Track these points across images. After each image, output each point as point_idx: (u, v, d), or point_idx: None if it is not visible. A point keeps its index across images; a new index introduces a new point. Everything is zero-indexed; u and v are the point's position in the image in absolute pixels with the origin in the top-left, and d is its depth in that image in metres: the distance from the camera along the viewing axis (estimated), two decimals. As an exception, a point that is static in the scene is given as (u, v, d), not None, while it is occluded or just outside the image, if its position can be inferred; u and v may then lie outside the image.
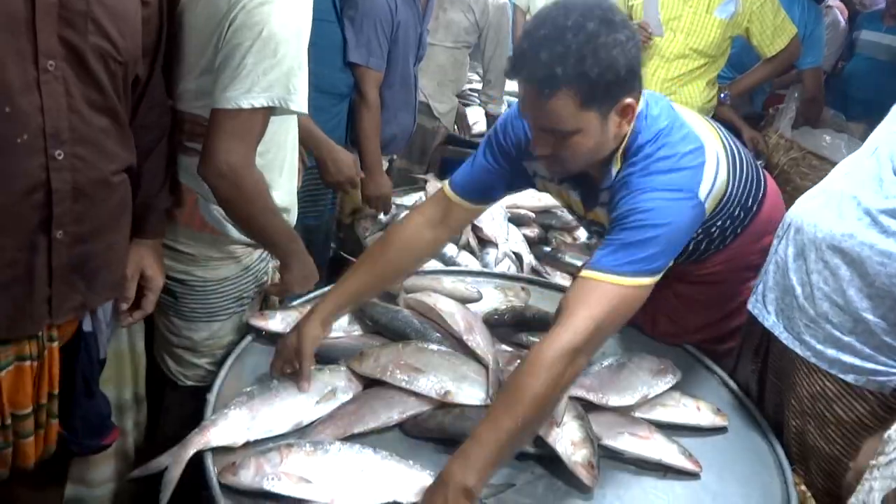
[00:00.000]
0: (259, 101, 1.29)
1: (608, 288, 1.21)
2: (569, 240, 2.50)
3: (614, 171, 1.33)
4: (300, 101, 1.34)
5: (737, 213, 1.46)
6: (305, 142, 1.91)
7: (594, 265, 1.23)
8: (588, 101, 1.20)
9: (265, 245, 1.54)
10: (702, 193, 1.29)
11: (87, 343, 1.32)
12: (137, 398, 1.65)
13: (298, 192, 1.69)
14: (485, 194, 1.53)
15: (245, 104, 1.29)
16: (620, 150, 1.32)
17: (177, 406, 1.65)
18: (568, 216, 2.57)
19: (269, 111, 1.33)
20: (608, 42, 1.17)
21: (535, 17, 1.26)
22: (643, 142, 1.31)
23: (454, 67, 3.08)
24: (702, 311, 1.65)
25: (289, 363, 1.37)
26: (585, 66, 1.16)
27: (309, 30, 1.35)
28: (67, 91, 1.09)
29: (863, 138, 1.54)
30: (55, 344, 1.22)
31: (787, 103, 3.22)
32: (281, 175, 1.53)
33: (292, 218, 1.61)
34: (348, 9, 2.26)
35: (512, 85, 3.83)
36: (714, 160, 1.32)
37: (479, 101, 3.48)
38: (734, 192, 1.42)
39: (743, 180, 1.44)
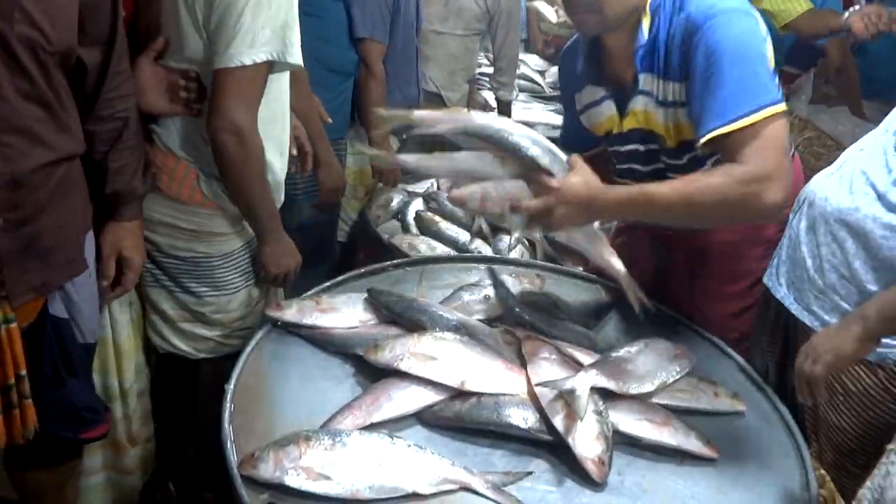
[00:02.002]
0: (260, 55, 1.35)
1: (755, 129, 1.23)
2: (582, 225, 2.48)
3: (644, 25, 1.38)
4: (296, 54, 1.40)
5: None
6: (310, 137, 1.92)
7: (721, 118, 1.24)
8: None
9: (248, 216, 1.57)
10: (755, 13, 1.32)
11: (59, 328, 1.32)
12: (123, 389, 1.66)
13: (303, 176, 1.74)
14: (580, 140, 1.64)
15: (248, 60, 1.34)
16: (646, 5, 1.38)
17: (196, 379, 1.69)
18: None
19: (269, 66, 1.38)
20: None
21: None
22: None
23: (465, 55, 3.06)
24: (715, 286, 1.65)
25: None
26: None
27: None
28: None
29: (879, 119, 1.54)
30: (13, 325, 1.21)
31: (802, 83, 3.18)
32: (271, 150, 1.55)
33: (279, 197, 1.63)
34: None
35: (521, 70, 3.81)
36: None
37: (489, 87, 3.45)
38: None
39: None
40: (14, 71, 1.10)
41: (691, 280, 1.67)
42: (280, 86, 1.54)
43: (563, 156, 1.33)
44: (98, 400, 1.50)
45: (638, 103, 1.47)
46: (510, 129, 1.32)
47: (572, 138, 1.71)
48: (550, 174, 1.29)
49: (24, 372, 1.24)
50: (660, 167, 1.54)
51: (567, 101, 1.69)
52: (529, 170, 1.31)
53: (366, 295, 1.55)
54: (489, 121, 1.35)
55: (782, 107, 1.26)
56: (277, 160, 1.60)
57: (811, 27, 2.61)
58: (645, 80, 1.43)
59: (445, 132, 1.33)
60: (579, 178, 1.28)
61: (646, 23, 1.38)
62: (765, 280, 1.52)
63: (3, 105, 1.10)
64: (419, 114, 1.35)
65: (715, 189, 1.24)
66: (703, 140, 1.28)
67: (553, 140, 1.38)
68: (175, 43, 1.45)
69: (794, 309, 1.43)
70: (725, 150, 1.28)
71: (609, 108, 1.54)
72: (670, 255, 1.72)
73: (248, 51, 1.34)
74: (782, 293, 1.46)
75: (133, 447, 1.70)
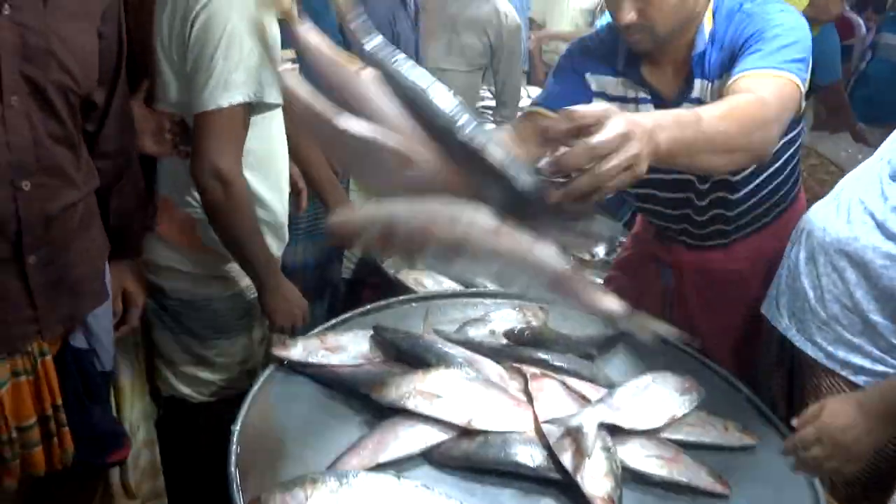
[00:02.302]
0: (236, 97, 1.36)
1: (779, 81, 1.21)
2: (587, 257, 2.49)
3: (707, 28, 1.35)
4: (275, 94, 1.39)
5: (793, 174, 1.52)
6: (318, 182, 1.90)
7: (760, 61, 1.23)
8: None
9: (239, 262, 1.54)
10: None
11: (80, 358, 1.36)
12: (132, 427, 1.68)
13: (304, 215, 1.73)
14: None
15: (224, 102, 1.35)
16: (709, 10, 1.35)
17: (198, 424, 1.68)
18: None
19: (248, 108, 1.39)
20: None
21: None
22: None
23: (468, 91, 3.10)
24: (721, 315, 1.64)
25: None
26: None
27: (274, 24, 1.37)
28: (31, 124, 1.13)
29: (880, 144, 1.55)
30: (48, 357, 1.28)
31: (804, 110, 3.20)
32: (270, 190, 1.56)
33: (281, 238, 1.63)
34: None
35: (525, 103, 3.85)
36: None
37: (492, 119, 3.48)
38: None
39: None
40: (47, 115, 1.15)
41: (697, 308, 1.67)
42: (273, 124, 1.55)
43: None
44: (118, 424, 1.53)
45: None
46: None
47: (554, 101, 1.49)
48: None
49: (60, 402, 1.30)
50: (686, 197, 1.52)
51: (568, 74, 1.52)
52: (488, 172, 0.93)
53: (371, 332, 1.55)
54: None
55: (804, 86, 1.26)
56: (277, 199, 1.60)
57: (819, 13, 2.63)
58: (698, 87, 1.39)
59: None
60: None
61: (707, 27, 1.35)
62: (763, 311, 1.51)
63: (38, 149, 1.15)
64: None
65: (747, 107, 1.16)
66: (737, 76, 1.23)
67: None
68: (159, 87, 1.47)
69: (797, 341, 1.42)
70: (742, 84, 1.22)
71: (644, 110, 1.46)
72: (677, 282, 1.72)
73: (222, 94, 1.34)
74: (784, 324, 1.45)
75: (130, 501, 1.69)
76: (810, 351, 1.39)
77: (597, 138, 0.85)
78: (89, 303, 1.34)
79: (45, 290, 1.23)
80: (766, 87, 1.20)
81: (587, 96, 1.51)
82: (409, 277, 2.27)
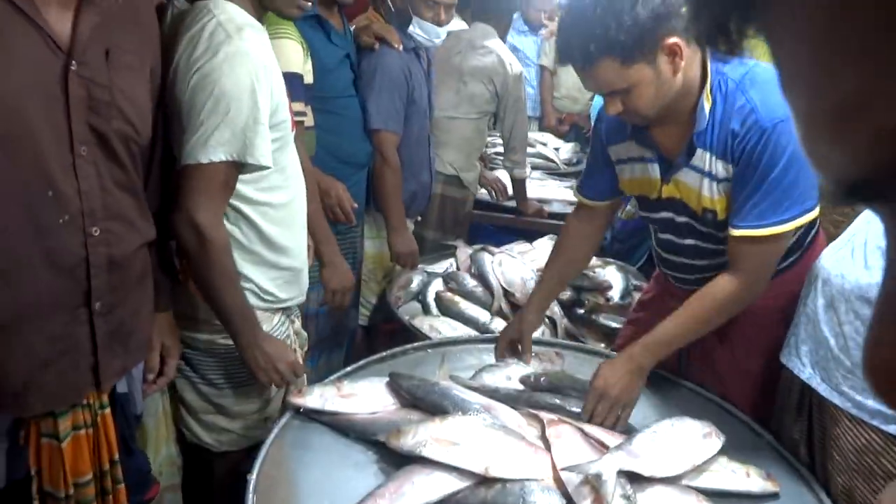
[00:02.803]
0: (218, 155, 1.37)
1: (770, 241, 1.40)
2: (601, 301, 2.48)
3: (706, 107, 1.41)
4: (259, 155, 1.40)
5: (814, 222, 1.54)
6: (313, 235, 1.93)
7: (758, 220, 1.38)
8: (628, 58, 1.31)
9: (218, 316, 1.52)
10: None
11: (122, 403, 1.38)
12: (171, 460, 1.69)
13: (313, 270, 1.75)
14: (604, 191, 1.72)
15: (204, 159, 1.37)
16: (707, 90, 1.41)
17: (217, 472, 1.67)
18: (601, 276, 2.57)
19: (233, 166, 1.41)
20: (625, 4, 1.28)
21: (563, 9, 1.42)
22: (737, 77, 1.39)
23: (477, 137, 3.15)
24: (741, 357, 1.64)
25: (512, 344, 1.77)
26: (612, 33, 1.28)
27: (269, 86, 1.42)
28: (98, 173, 1.19)
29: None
30: (107, 410, 1.30)
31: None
32: (292, 239, 1.61)
33: (303, 282, 1.65)
34: (368, 80, 2.37)
35: (537, 150, 3.91)
36: None
37: (503, 165, 3.52)
38: None
39: None
40: (112, 163, 1.21)
41: (718, 349, 1.65)
42: (289, 172, 1.58)
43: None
44: (149, 463, 1.55)
45: (684, 175, 1.50)
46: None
47: (591, 187, 1.75)
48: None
49: (117, 457, 1.32)
50: (696, 245, 1.59)
51: (597, 150, 1.69)
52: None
53: (387, 379, 1.55)
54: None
55: (815, 213, 1.41)
56: (298, 248, 1.63)
57: None
58: (699, 155, 1.46)
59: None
60: (605, 366, 1.51)
61: (707, 106, 1.41)
62: (783, 360, 1.48)
63: (105, 195, 1.20)
64: None
65: (714, 310, 1.48)
66: (736, 234, 1.42)
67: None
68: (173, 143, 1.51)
69: (823, 390, 1.37)
70: (738, 246, 1.44)
71: (653, 171, 1.56)
72: None
73: (202, 150, 1.36)
74: (807, 374, 1.41)
75: None
76: (838, 401, 1.34)
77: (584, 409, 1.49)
78: (138, 356, 1.37)
79: (106, 339, 1.25)
80: (759, 258, 1.43)
81: (610, 170, 1.67)
82: (424, 324, 2.27)
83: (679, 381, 1.66)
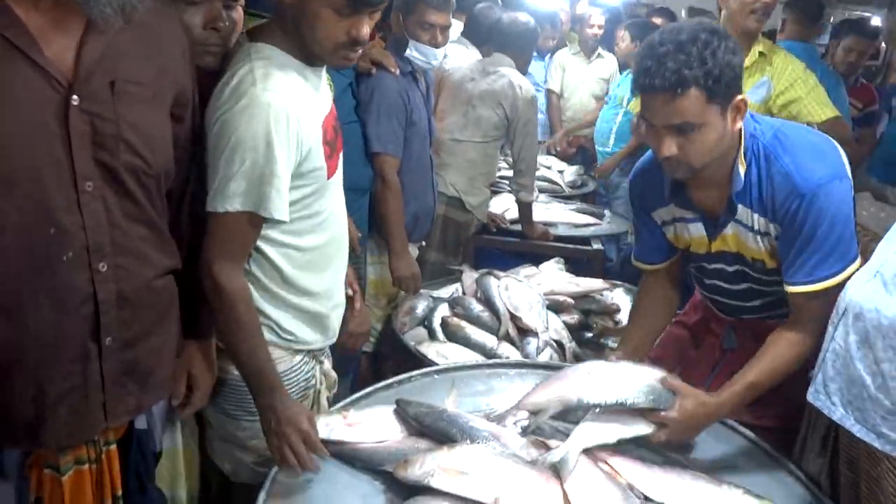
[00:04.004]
0: (233, 205, 1.34)
1: (828, 291, 1.44)
2: (610, 324, 2.46)
3: (741, 171, 1.48)
4: (273, 209, 1.36)
5: None
6: None
7: (810, 276, 1.46)
8: (713, 96, 1.37)
9: (240, 370, 1.45)
10: (848, 173, 1.47)
11: (140, 440, 1.35)
12: (191, 500, 1.64)
13: None
14: (660, 252, 1.76)
15: (220, 208, 1.34)
16: (741, 151, 1.48)
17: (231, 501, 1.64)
18: (608, 299, 2.55)
19: (252, 217, 1.36)
20: (721, 46, 1.37)
21: (648, 41, 1.43)
22: (766, 141, 1.48)
23: (484, 161, 3.14)
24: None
25: None
26: (708, 66, 1.35)
27: (292, 137, 1.35)
28: (106, 207, 1.15)
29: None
30: (112, 447, 1.26)
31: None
32: (322, 284, 1.55)
33: (326, 327, 1.61)
34: (366, 104, 2.37)
35: (542, 173, 3.89)
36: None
37: (509, 189, 3.52)
38: None
39: None
40: (121, 197, 1.17)
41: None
42: (324, 217, 1.53)
43: (657, 384, 1.48)
44: (165, 501, 1.51)
45: (730, 230, 1.57)
46: (607, 390, 1.46)
47: (647, 252, 1.79)
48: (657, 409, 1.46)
49: (120, 493, 1.28)
50: (750, 287, 1.65)
51: (642, 217, 1.76)
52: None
53: (394, 407, 1.52)
54: (586, 392, 1.48)
55: (856, 264, 1.44)
56: (322, 290, 1.57)
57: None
58: (741, 211, 1.53)
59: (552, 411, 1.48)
60: (690, 400, 1.47)
61: (742, 169, 1.48)
62: (810, 399, 1.41)
63: (113, 229, 1.17)
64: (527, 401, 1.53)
65: (790, 362, 1.49)
66: (792, 290, 1.49)
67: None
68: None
69: (858, 431, 1.30)
70: (796, 301, 1.49)
71: (698, 230, 1.63)
72: (737, 344, 1.77)
73: (220, 199, 1.34)
74: (839, 414, 1.34)
75: None
76: (877, 443, 1.27)
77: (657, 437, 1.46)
78: (156, 395, 1.33)
79: (117, 377, 1.22)
80: (818, 312, 1.45)
81: (659, 231, 1.73)
82: (430, 349, 2.25)
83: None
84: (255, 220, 1.38)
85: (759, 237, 1.54)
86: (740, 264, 1.61)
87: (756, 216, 1.51)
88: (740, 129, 1.47)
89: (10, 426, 1.15)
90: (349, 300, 1.84)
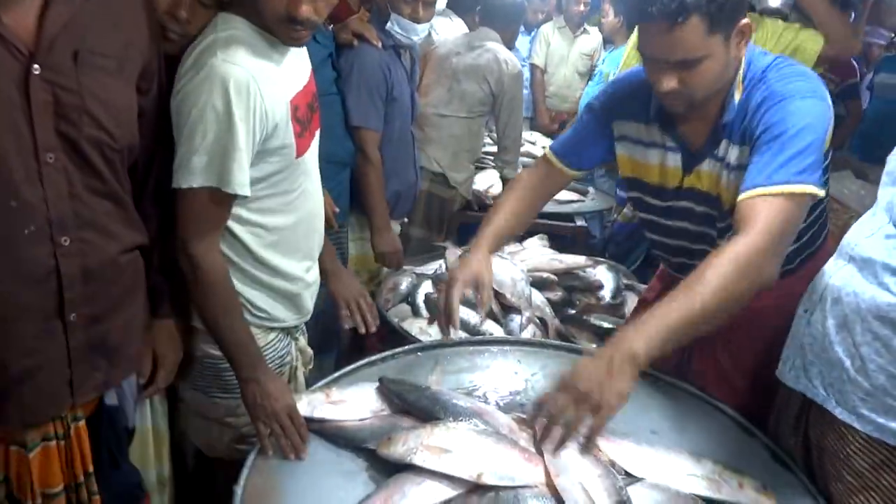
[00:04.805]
0: (196, 181, 1.31)
1: (782, 199, 1.27)
2: (593, 301, 2.47)
3: (737, 97, 1.40)
4: (236, 185, 1.33)
5: (819, 220, 1.53)
6: None
7: (769, 179, 1.28)
8: (714, 25, 1.28)
9: (221, 349, 1.44)
10: (829, 103, 1.37)
11: (111, 416, 1.34)
12: (161, 479, 1.65)
13: None
14: (588, 161, 1.68)
15: (184, 184, 1.32)
16: (739, 77, 1.40)
17: (216, 480, 1.66)
18: (592, 276, 2.56)
19: (215, 192, 1.33)
20: None
21: None
22: (764, 64, 1.40)
23: (469, 137, 3.12)
24: (746, 356, 1.63)
25: (469, 287, 1.58)
26: None
27: (255, 111, 1.32)
28: (69, 180, 1.14)
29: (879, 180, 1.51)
30: (81, 423, 1.26)
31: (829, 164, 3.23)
32: (292, 262, 1.54)
33: (300, 305, 1.60)
34: (346, 77, 2.34)
35: (526, 148, 3.88)
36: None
37: (493, 165, 3.51)
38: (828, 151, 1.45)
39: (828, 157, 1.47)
40: (84, 170, 1.15)
41: (720, 347, 1.63)
42: (294, 197, 1.51)
43: None
44: (139, 476, 1.51)
45: (707, 165, 1.48)
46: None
47: (575, 154, 1.66)
48: None
49: (91, 469, 1.28)
50: (710, 232, 1.56)
51: (597, 118, 1.62)
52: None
53: (377, 384, 1.52)
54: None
55: (819, 191, 1.31)
56: (300, 270, 1.56)
57: (841, 51, 2.59)
58: (723, 147, 1.45)
59: None
60: (586, 356, 1.32)
61: (737, 97, 1.40)
62: (791, 384, 1.42)
63: (76, 203, 1.15)
64: None
65: (717, 281, 1.22)
66: (744, 196, 1.30)
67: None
68: None
69: (839, 413, 1.31)
70: (742, 212, 1.30)
71: (673, 161, 1.53)
72: None
73: (183, 174, 1.31)
74: (822, 396, 1.35)
75: None
76: (857, 424, 1.28)
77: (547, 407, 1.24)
78: (124, 370, 1.32)
79: (83, 354, 1.21)
80: (771, 214, 1.26)
81: (604, 144, 1.62)
82: (413, 326, 2.25)
83: (677, 384, 1.64)
84: (220, 196, 1.35)
85: (731, 173, 1.44)
86: (708, 205, 1.53)
87: (734, 148, 1.43)
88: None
89: None
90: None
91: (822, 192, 1.32)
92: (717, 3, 1.27)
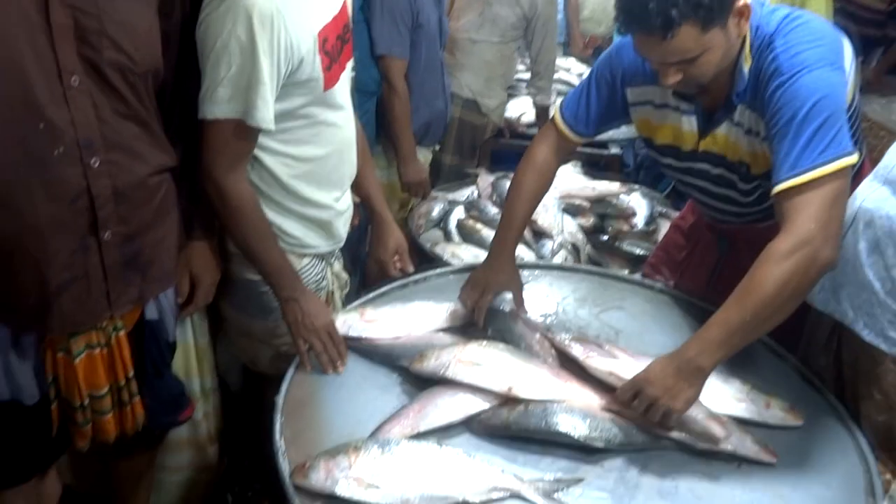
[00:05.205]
0: (222, 111, 1.31)
1: (813, 186, 1.22)
2: (625, 227, 2.46)
3: (746, 69, 1.35)
4: (260, 118, 1.33)
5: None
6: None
7: (793, 169, 1.24)
8: (708, 23, 1.24)
9: (259, 272, 1.48)
10: (846, 65, 1.31)
11: (153, 329, 1.41)
12: (205, 389, 1.73)
13: None
14: (590, 127, 1.60)
15: (209, 115, 1.32)
16: (746, 49, 1.34)
17: (254, 389, 1.74)
18: (625, 202, 2.54)
19: (240, 125, 1.33)
20: None
21: None
22: (771, 29, 1.33)
23: (501, 63, 3.06)
24: None
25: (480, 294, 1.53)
26: None
27: (281, 43, 1.30)
28: (94, 103, 1.16)
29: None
30: (121, 332, 1.33)
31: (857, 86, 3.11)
32: (322, 191, 1.55)
33: (333, 232, 1.61)
34: (371, 4, 2.30)
35: (559, 75, 3.79)
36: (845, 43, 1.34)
37: (526, 92, 3.44)
38: (855, 106, 1.38)
39: (856, 113, 1.41)
40: (108, 94, 1.17)
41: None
42: (323, 128, 1.50)
43: None
44: (183, 386, 1.59)
45: (724, 128, 1.44)
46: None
47: (585, 120, 1.59)
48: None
49: (132, 373, 1.37)
50: (730, 194, 1.54)
51: (609, 85, 1.56)
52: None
53: (409, 304, 1.56)
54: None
55: (852, 158, 1.24)
56: (331, 199, 1.57)
57: None
58: (738, 111, 1.41)
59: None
60: (657, 360, 1.28)
61: (746, 67, 1.36)
62: (820, 307, 1.40)
63: (103, 126, 1.17)
64: None
65: (771, 281, 1.21)
66: (776, 191, 1.26)
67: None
68: None
69: (867, 335, 1.31)
70: (779, 209, 1.27)
71: (689, 124, 1.50)
72: (731, 250, 1.70)
73: (208, 105, 1.31)
74: (850, 317, 1.35)
75: (212, 445, 1.78)
76: (884, 346, 1.29)
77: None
78: (158, 286, 1.38)
79: (118, 269, 1.26)
80: (806, 205, 1.22)
81: (616, 111, 1.57)
82: (446, 251, 2.27)
83: (708, 307, 1.64)
84: (245, 128, 1.34)
85: (751, 138, 1.41)
86: (725, 167, 1.50)
87: (749, 113, 1.39)
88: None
89: (20, 312, 1.21)
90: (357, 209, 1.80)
91: (852, 160, 1.25)
92: (703, 7, 1.21)
